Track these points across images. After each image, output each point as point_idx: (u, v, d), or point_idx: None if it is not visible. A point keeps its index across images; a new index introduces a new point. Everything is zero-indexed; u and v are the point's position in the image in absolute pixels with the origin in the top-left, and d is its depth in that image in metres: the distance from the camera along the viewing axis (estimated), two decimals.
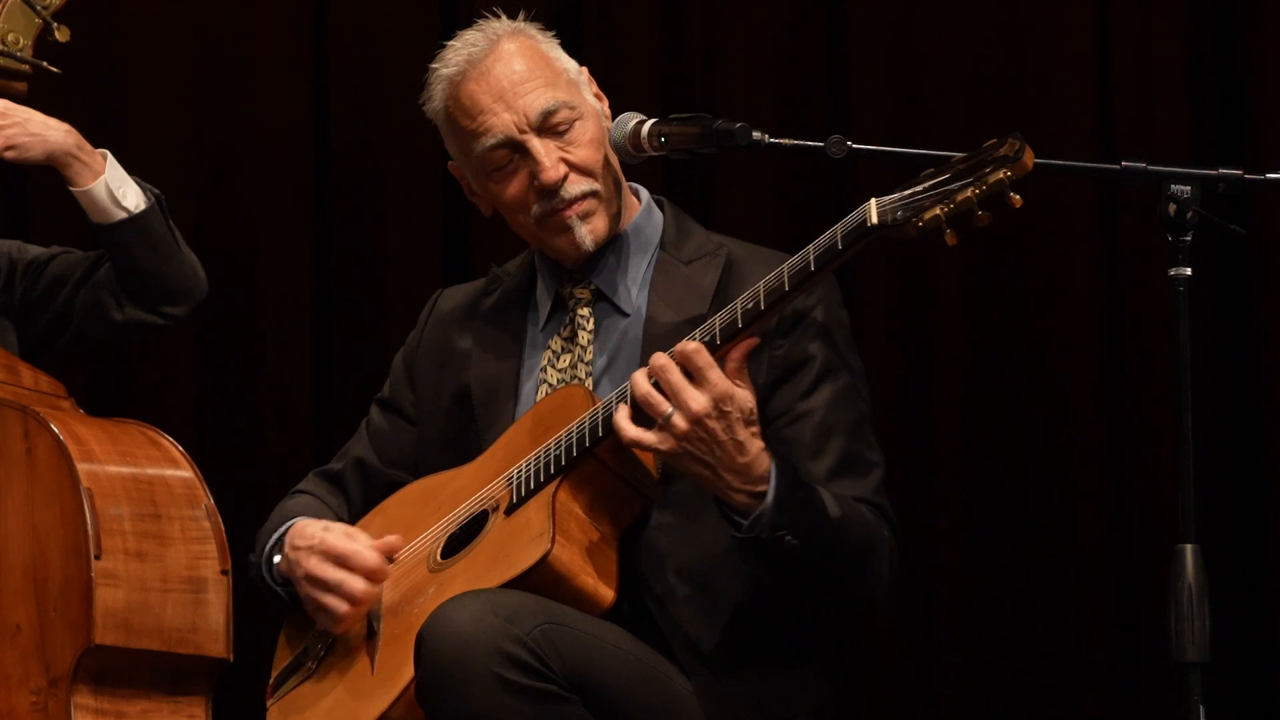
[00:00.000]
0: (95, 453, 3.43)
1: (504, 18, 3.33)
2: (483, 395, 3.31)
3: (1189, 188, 2.93)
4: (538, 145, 3.22)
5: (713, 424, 2.92)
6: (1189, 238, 2.93)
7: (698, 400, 2.92)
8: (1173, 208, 2.93)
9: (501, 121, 3.23)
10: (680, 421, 2.93)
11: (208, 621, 3.40)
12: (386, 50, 4.95)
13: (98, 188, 3.76)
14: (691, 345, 2.95)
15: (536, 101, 3.23)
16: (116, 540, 3.37)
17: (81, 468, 3.38)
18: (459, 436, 3.31)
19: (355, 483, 3.44)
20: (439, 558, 3.16)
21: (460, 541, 3.15)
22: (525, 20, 3.33)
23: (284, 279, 4.92)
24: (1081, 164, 3.28)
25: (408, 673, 2.98)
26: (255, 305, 4.89)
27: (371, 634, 3.19)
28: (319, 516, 3.36)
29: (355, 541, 3.22)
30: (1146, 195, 3.01)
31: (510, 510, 3.10)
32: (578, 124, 3.25)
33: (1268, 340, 4.47)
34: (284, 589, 3.31)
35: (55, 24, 3.89)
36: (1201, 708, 2.87)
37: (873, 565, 3.09)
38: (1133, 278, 4.54)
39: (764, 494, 2.95)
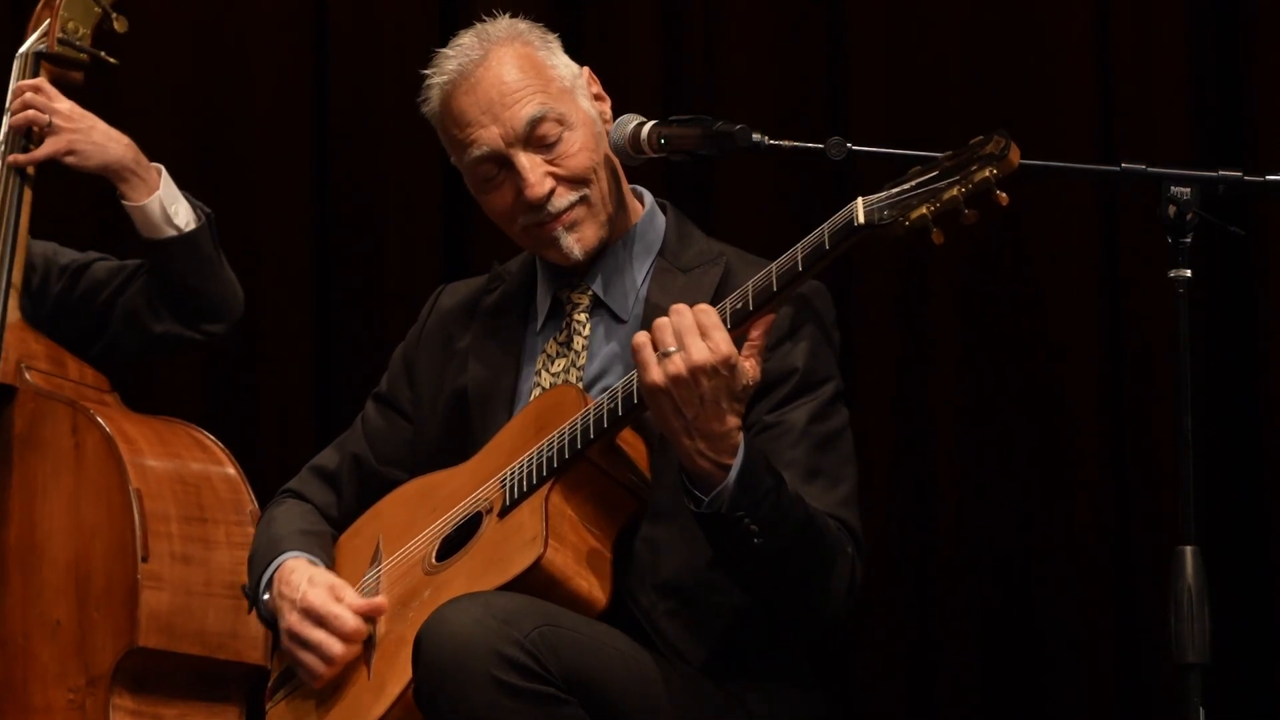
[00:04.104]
0: (144, 453, 3.42)
1: (503, 19, 3.30)
2: (479, 398, 3.30)
3: (1189, 189, 2.93)
4: (524, 160, 3.21)
5: (705, 381, 2.88)
6: (1189, 239, 2.93)
7: (701, 351, 2.88)
8: (1172, 209, 2.93)
9: (489, 134, 3.22)
10: (678, 363, 2.88)
11: (248, 628, 3.39)
12: (386, 50, 4.95)
13: (151, 204, 3.79)
14: (701, 306, 2.92)
15: (523, 111, 3.20)
16: (163, 543, 3.37)
17: (131, 468, 3.38)
18: (455, 437, 3.30)
19: (350, 481, 3.42)
20: (434, 560, 3.16)
21: (455, 544, 3.15)
22: (525, 21, 3.30)
23: (284, 279, 4.92)
24: (1081, 165, 3.28)
25: (405, 676, 2.97)
26: (255, 305, 4.87)
27: (368, 637, 3.18)
28: (308, 530, 3.33)
29: (337, 602, 3.17)
30: (1146, 196, 3.01)
31: (504, 513, 3.09)
32: (566, 135, 3.22)
33: (1268, 340, 4.47)
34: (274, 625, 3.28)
35: (115, 14, 3.92)
36: (1201, 709, 2.86)
37: (830, 578, 3.03)
38: (1133, 278, 4.54)
39: (729, 467, 2.91)
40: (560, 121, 3.23)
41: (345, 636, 3.14)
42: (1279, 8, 4.49)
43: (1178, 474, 2.91)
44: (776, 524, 2.94)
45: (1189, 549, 2.89)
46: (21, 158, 3.84)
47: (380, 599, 3.19)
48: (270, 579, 3.26)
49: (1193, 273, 2.94)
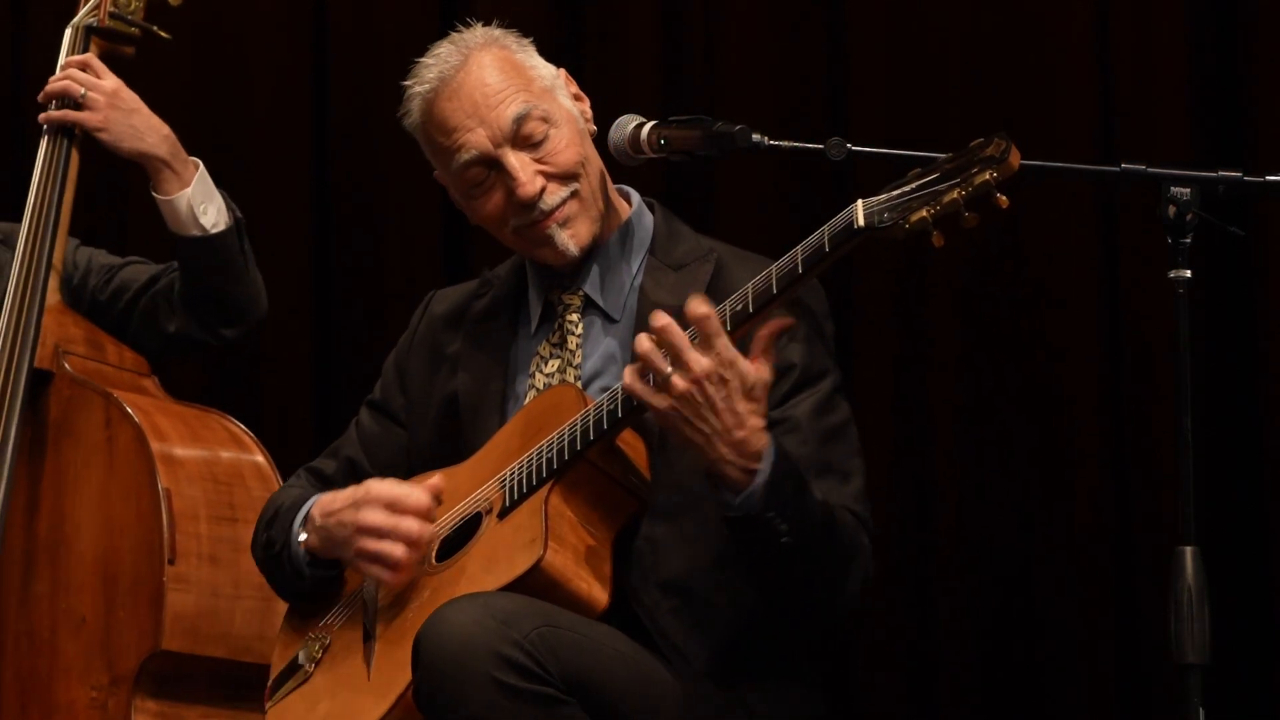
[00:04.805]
0: (176, 449, 3.40)
1: (477, 26, 3.30)
2: (470, 403, 3.30)
3: (1188, 190, 2.93)
4: (513, 160, 3.21)
5: (711, 389, 2.87)
6: (1188, 240, 2.93)
7: (699, 362, 2.87)
8: (1172, 210, 2.93)
9: (476, 138, 3.22)
10: (679, 381, 2.88)
11: (275, 630, 3.37)
12: (386, 50, 4.95)
13: (179, 200, 3.77)
14: (701, 310, 2.89)
15: (508, 110, 3.21)
16: (191, 544, 3.35)
17: (162, 467, 3.36)
18: (447, 443, 3.29)
19: (345, 486, 3.41)
20: (433, 561, 3.15)
21: (454, 545, 3.14)
22: (499, 28, 3.31)
23: (283, 279, 4.90)
24: (1081, 166, 3.28)
25: (405, 676, 2.97)
26: None
27: (368, 637, 3.18)
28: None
29: (401, 486, 3.15)
30: (1146, 197, 3.01)
31: (503, 514, 3.09)
32: (552, 133, 3.22)
33: (1268, 340, 4.47)
34: (310, 569, 3.24)
35: None
36: (1201, 710, 2.87)
37: (850, 573, 3.05)
38: (1133, 278, 4.54)
39: (757, 471, 2.91)
40: (545, 119, 3.23)
41: (419, 513, 3.09)
42: (1279, 8, 4.49)
43: (1178, 474, 2.92)
44: (803, 521, 2.95)
45: (1189, 549, 2.89)
46: (55, 115, 3.81)
47: (437, 477, 3.15)
48: (306, 516, 3.22)
49: (1193, 273, 2.94)
